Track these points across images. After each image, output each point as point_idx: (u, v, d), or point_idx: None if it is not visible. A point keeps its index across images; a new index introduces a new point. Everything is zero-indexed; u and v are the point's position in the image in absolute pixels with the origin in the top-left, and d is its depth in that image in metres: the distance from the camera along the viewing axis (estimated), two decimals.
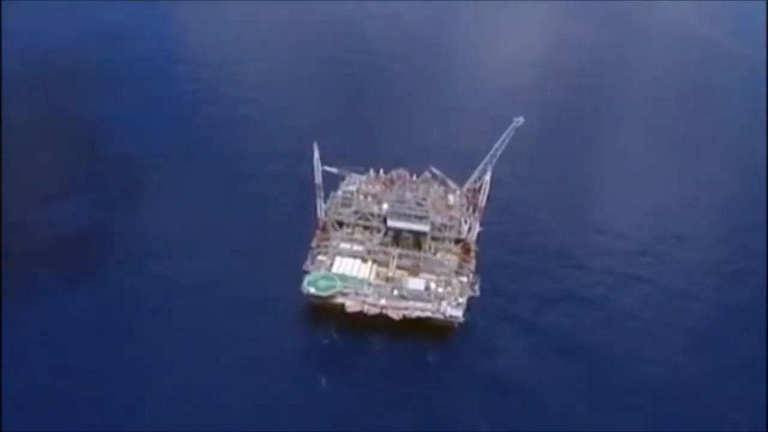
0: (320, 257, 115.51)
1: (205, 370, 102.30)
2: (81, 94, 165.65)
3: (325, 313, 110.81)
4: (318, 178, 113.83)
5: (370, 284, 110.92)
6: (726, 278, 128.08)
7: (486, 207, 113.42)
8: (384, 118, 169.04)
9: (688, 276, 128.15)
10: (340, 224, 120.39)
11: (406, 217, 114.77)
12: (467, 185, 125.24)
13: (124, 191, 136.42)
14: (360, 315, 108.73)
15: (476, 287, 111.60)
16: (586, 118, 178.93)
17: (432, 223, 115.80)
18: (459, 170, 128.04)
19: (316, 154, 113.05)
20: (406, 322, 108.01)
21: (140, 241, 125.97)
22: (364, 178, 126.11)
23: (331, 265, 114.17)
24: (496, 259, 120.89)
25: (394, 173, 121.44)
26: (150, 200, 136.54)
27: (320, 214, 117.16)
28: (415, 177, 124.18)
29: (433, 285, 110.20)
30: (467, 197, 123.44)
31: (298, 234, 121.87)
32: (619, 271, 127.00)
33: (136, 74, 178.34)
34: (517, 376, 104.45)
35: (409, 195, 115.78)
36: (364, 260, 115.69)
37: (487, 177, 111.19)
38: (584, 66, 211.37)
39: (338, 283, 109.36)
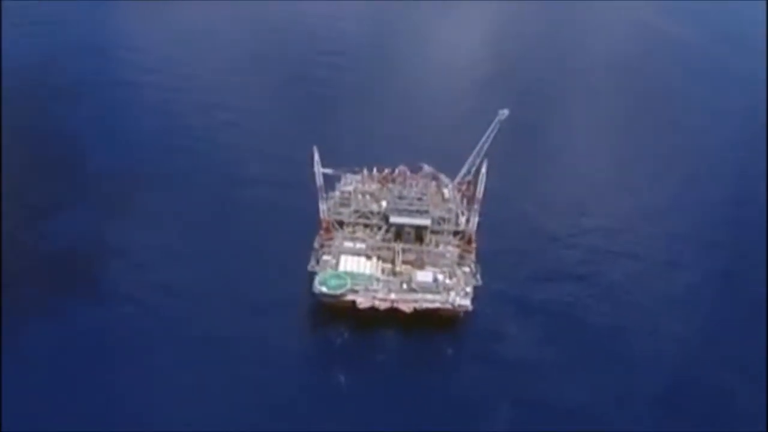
0: (325, 257, 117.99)
1: (219, 374, 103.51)
2: (56, 109, 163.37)
3: (334, 311, 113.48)
4: (319, 181, 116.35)
5: (378, 280, 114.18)
6: (703, 247, 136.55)
7: (483, 198, 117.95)
8: (359, 119, 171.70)
9: (669, 248, 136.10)
10: (340, 224, 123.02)
11: (408, 213, 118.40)
12: (458, 179, 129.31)
13: (116, 203, 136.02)
14: (369, 311, 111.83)
15: (478, 276, 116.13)
16: (555, 106, 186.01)
17: (431, 217, 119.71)
18: (432, 164, 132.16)
19: (317, 157, 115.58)
20: (414, 314, 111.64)
21: (137, 251, 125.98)
22: (358, 177, 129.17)
23: (337, 264, 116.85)
24: (491, 247, 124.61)
25: (396, 169, 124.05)
26: (139, 213, 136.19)
27: (323, 215, 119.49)
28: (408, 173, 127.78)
29: (440, 277, 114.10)
30: (461, 190, 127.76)
31: (297, 236, 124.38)
32: (606, 248, 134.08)
33: (109, 86, 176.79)
34: (527, 356, 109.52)
35: (409, 191, 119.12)
36: (368, 257, 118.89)
37: (484, 169, 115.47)
38: (544, 56, 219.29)
39: (348, 280, 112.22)
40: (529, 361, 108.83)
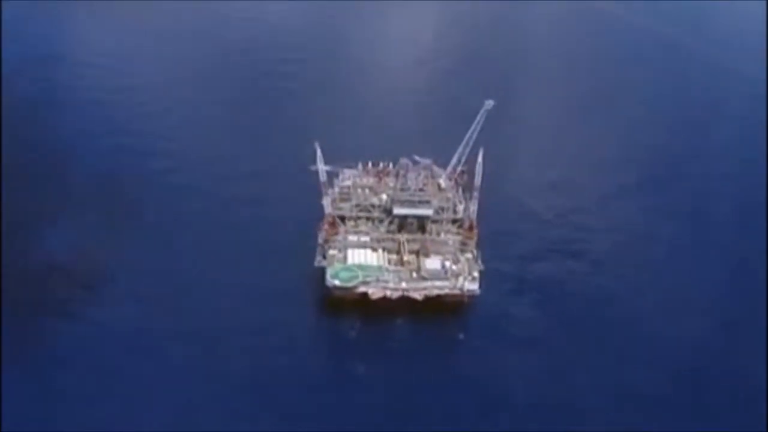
0: (331, 251, 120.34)
1: (238, 369, 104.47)
2: (30, 117, 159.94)
3: (343, 303, 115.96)
4: (323, 177, 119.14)
5: (388, 270, 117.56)
6: (680, 219, 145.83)
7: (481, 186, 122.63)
8: (331, 116, 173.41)
9: (646, 221, 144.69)
10: (342, 219, 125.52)
11: (411, 204, 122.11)
12: (449, 169, 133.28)
13: (109, 208, 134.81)
14: (380, 300, 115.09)
15: (479, 261, 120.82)
16: (525, 93, 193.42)
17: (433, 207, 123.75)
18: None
19: (319, 153, 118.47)
20: (422, 302, 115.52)
21: (133, 255, 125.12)
22: (355, 172, 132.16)
23: (345, 257, 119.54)
24: (484, 231, 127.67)
25: (398, 162, 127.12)
26: (132, 217, 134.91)
27: (328, 210, 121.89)
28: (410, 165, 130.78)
29: (447, 263, 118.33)
30: (454, 180, 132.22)
31: (294, 232, 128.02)
32: (590, 225, 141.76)
33: (82, 94, 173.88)
34: (534, 333, 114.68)
35: (410, 183, 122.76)
36: (374, 249, 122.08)
37: (480, 158, 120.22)
38: (511, 47, 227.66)
39: (359, 273, 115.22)
40: (537, 338, 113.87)
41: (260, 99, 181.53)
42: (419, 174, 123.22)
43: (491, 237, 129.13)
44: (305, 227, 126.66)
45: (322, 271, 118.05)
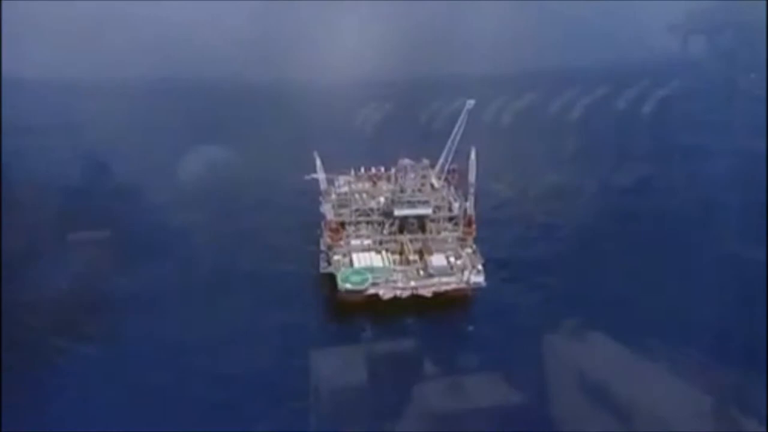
0: (336, 257, 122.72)
1: (253, 381, 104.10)
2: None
3: (353, 306, 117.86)
4: (323, 185, 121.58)
5: (395, 270, 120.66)
6: (661, 199, 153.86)
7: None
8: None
9: (620, 201, 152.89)
10: (342, 224, 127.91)
11: (410, 205, 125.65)
12: (437, 169, 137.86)
13: (112, 232, 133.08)
14: (388, 300, 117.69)
15: (478, 254, 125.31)
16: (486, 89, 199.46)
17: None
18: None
19: (318, 162, 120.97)
20: (428, 298, 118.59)
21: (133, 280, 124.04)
22: (350, 178, 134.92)
23: (351, 262, 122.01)
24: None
25: (398, 163, 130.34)
26: (127, 238, 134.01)
27: (329, 216, 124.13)
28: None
29: (451, 259, 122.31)
30: (447, 179, 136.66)
31: (296, 240, 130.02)
32: (562, 210, 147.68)
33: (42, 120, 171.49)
34: (535, 315, 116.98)
35: (408, 184, 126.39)
36: (378, 252, 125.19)
37: (473, 156, 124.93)
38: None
39: (369, 275, 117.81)
40: (540, 322, 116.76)
41: (233, 111, 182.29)
42: (415, 175, 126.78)
43: (479, 229, 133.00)
44: (303, 235, 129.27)
45: (328, 276, 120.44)
